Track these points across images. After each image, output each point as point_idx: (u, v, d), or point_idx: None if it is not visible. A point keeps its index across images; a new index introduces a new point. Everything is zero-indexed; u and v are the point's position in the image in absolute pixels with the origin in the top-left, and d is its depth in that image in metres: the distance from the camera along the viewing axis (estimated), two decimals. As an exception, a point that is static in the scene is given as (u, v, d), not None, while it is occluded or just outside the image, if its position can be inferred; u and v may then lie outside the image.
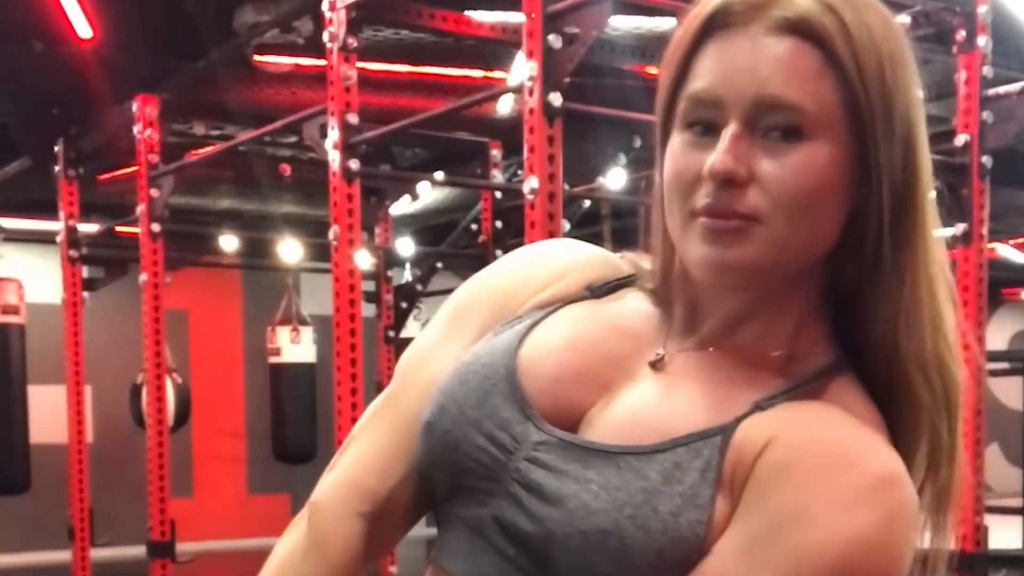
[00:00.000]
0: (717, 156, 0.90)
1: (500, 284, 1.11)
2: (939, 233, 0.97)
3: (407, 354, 1.11)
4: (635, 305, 1.04)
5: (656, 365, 0.99)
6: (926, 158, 0.96)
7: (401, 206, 6.94)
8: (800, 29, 0.90)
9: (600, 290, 1.07)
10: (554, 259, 1.10)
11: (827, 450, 0.90)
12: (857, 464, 0.89)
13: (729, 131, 0.91)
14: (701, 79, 0.93)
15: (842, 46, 0.90)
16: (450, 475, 0.99)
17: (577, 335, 1.03)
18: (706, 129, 0.92)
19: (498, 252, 5.80)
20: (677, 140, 0.95)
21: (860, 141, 0.91)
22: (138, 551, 5.75)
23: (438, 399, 1.00)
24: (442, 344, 1.08)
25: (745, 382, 0.95)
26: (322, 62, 4.07)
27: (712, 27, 0.93)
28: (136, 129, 5.31)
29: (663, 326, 1.02)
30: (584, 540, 0.89)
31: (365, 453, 1.07)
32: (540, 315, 1.05)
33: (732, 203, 0.91)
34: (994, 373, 7.76)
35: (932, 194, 0.97)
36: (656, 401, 0.97)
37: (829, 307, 0.98)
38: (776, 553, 0.87)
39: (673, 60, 0.95)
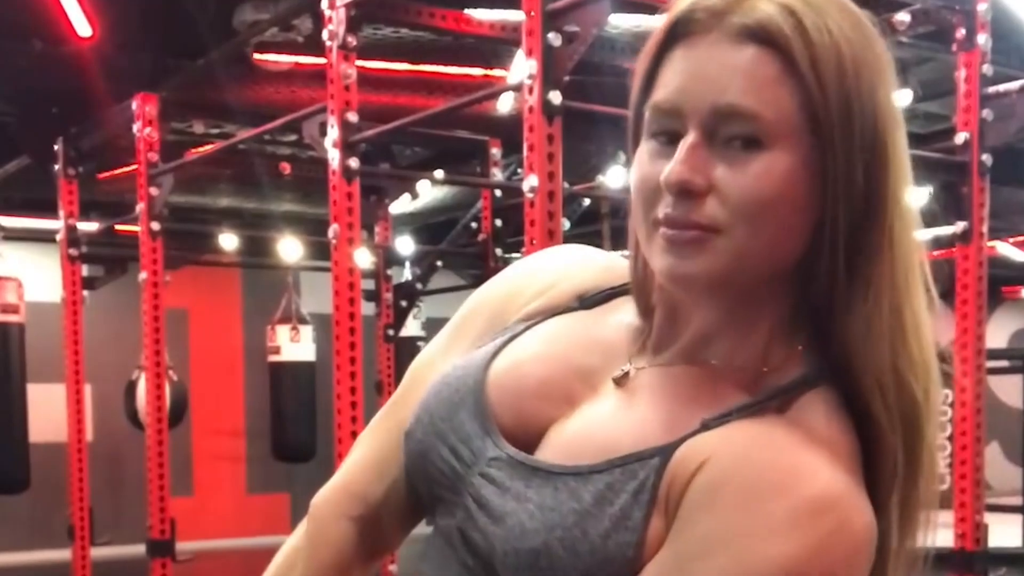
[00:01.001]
0: (672, 167, 0.89)
1: (499, 293, 1.11)
2: (918, 239, 0.94)
3: (414, 361, 1.14)
4: (620, 317, 1.04)
5: (619, 381, 0.99)
6: (898, 164, 0.93)
7: (401, 204, 6.94)
8: (759, 36, 0.89)
9: (590, 300, 1.06)
10: (550, 267, 1.11)
11: (760, 472, 0.86)
12: (790, 487, 0.85)
13: (687, 141, 0.90)
14: (663, 89, 0.92)
15: (800, 51, 0.88)
16: (424, 484, 1.01)
17: (550, 349, 1.03)
18: (670, 139, 0.91)
19: (498, 251, 5.80)
20: (643, 149, 0.94)
21: (821, 147, 0.90)
22: (138, 550, 5.75)
23: (416, 409, 1.02)
24: (443, 352, 1.10)
25: (703, 399, 0.93)
26: (322, 60, 4.06)
27: (676, 35, 0.92)
28: (136, 128, 5.31)
29: (639, 340, 1.01)
30: (518, 559, 0.90)
31: (361, 458, 1.10)
32: (522, 328, 1.05)
33: (690, 214, 0.90)
34: (994, 371, 7.76)
35: (908, 200, 0.94)
36: (609, 418, 0.96)
37: (805, 321, 0.96)
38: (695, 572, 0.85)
39: (640, 69, 0.95)
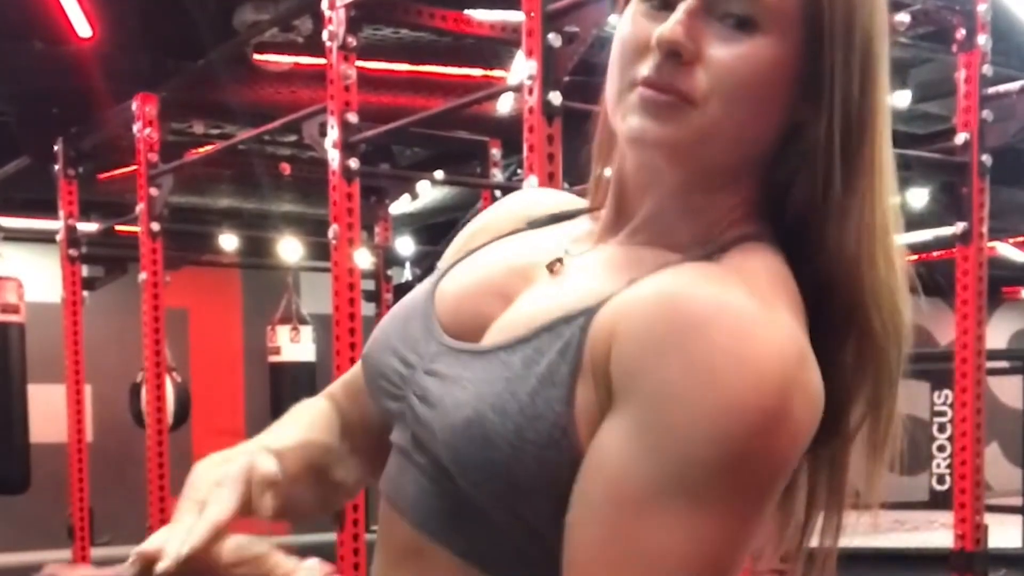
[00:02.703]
0: (668, 24, 0.89)
1: (469, 230, 1.15)
2: (892, 164, 0.94)
3: None
4: (568, 228, 1.05)
5: (552, 267, 0.99)
6: (885, 78, 0.93)
7: (401, 205, 6.94)
8: None
9: (538, 222, 1.08)
10: (505, 205, 1.14)
11: (674, 312, 0.84)
12: (708, 322, 0.82)
13: (684, 5, 0.90)
14: None
15: None
16: (378, 399, 1.03)
17: (491, 257, 1.05)
18: (663, 4, 0.91)
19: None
20: (633, 9, 0.94)
21: (814, 47, 0.90)
22: (138, 550, 5.74)
23: (375, 333, 1.06)
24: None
25: (636, 267, 0.92)
26: (322, 61, 4.06)
27: None
28: (136, 128, 5.31)
29: (582, 238, 1.02)
30: (453, 433, 0.90)
31: (341, 382, 1.18)
32: (465, 254, 1.09)
33: (673, 78, 0.89)
34: (994, 372, 7.77)
35: (888, 122, 0.94)
36: (540, 296, 0.97)
37: (762, 219, 0.95)
38: (660, 441, 0.82)
39: None
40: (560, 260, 1.00)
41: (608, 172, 1.03)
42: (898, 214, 0.95)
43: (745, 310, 0.84)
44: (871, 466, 0.96)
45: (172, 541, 0.90)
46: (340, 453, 1.10)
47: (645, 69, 0.90)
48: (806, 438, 0.86)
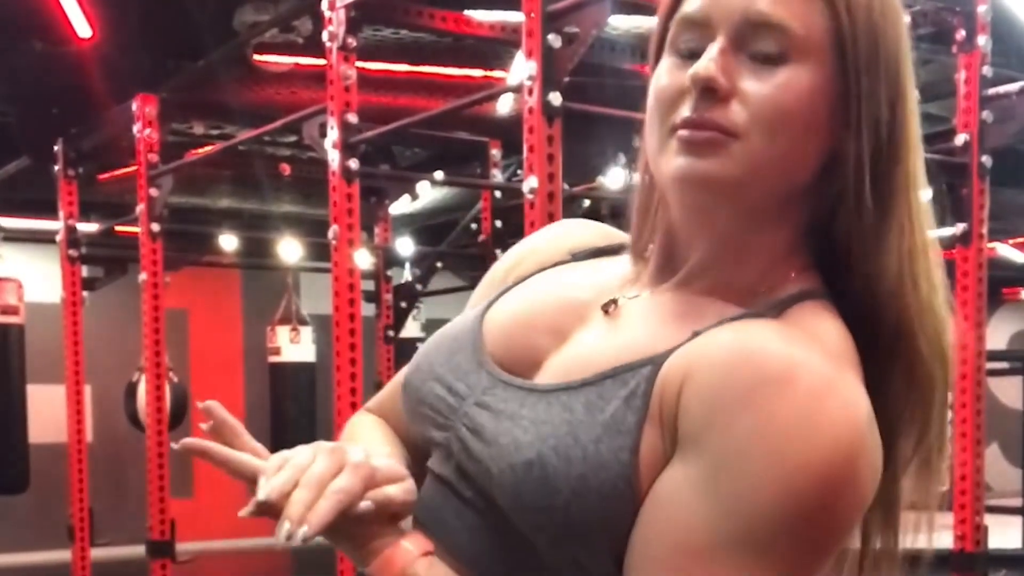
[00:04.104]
0: (701, 63, 0.90)
1: (502, 266, 1.15)
2: (926, 192, 0.95)
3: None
4: (613, 266, 1.05)
5: (607, 309, 0.99)
6: (915, 112, 0.94)
7: (401, 205, 6.94)
8: None
9: (582, 254, 1.08)
10: (546, 235, 1.14)
11: (751, 368, 0.84)
12: (784, 380, 0.83)
13: (716, 45, 0.91)
14: (692, 3, 0.93)
15: None
16: (420, 427, 1.02)
17: (541, 289, 1.05)
18: (692, 54, 0.92)
19: (498, 252, 5.80)
20: (664, 64, 0.95)
21: (844, 73, 0.91)
22: (138, 551, 5.75)
23: (415, 358, 1.05)
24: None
25: (696, 315, 0.93)
26: (321, 61, 4.06)
27: None
28: (136, 128, 5.30)
29: (633, 278, 1.02)
30: (513, 473, 0.90)
31: (375, 403, 1.15)
32: (514, 282, 1.08)
33: (710, 113, 0.90)
34: (994, 373, 7.76)
35: (920, 151, 0.95)
36: (600, 340, 0.97)
37: (810, 252, 0.96)
38: (730, 495, 0.83)
39: None
40: (615, 302, 0.99)
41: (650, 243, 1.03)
42: (934, 230, 0.96)
43: (819, 372, 0.85)
44: (920, 484, 0.97)
45: (298, 505, 0.88)
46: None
47: (683, 114, 0.91)
48: (869, 498, 0.88)
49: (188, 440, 0.95)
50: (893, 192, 0.93)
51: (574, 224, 1.16)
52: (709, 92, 0.90)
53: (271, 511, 0.89)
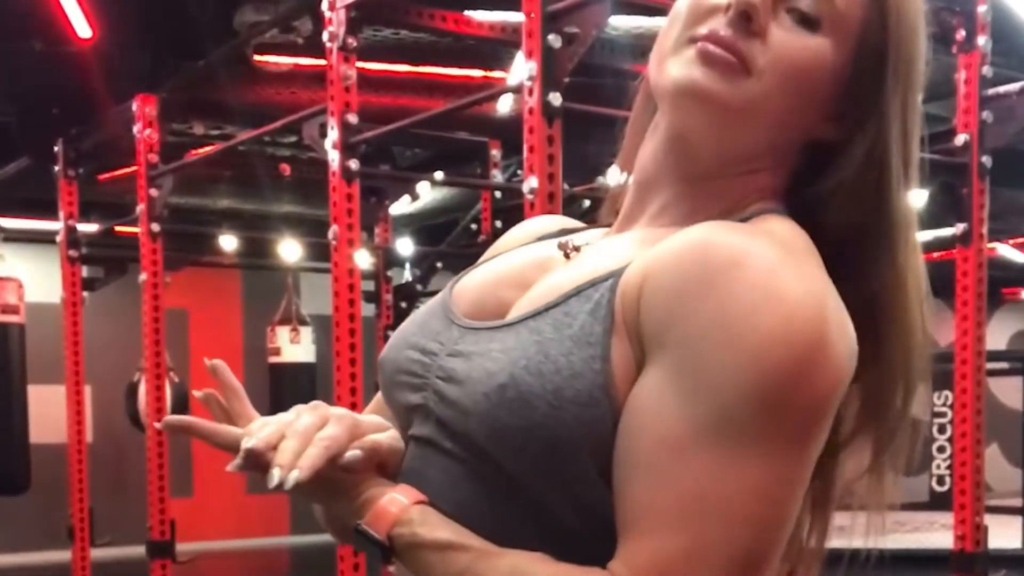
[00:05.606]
0: None
1: (489, 253, 1.16)
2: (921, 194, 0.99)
3: None
4: (581, 235, 1.07)
5: (567, 254, 1.01)
6: (919, 105, 0.96)
7: (401, 206, 6.94)
8: None
9: (550, 235, 1.10)
10: (520, 228, 1.16)
11: (702, 259, 0.85)
12: (738, 263, 0.84)
13: None
14: None
15: None
16: (399, 395, 1.02)
17: (507, 259, 1.07)
18: None
19: (498, 252, 5.79)
20: None
21: (862, 65, 0.92)
22: (138, 551, 5.74)
23: (390, 339, 1.06)
24: None
25: (656, 239, 0.93)
26: (322, 62, 4.06)
27: None
28: (136, 129, 5.30)
29: (599, 236, 1.04)
30: (488, 400, 0.90)
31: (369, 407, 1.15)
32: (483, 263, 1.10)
33: (738, 40, 0.91)
34: (994, 373, 7.77)
35: (917, 146, 0.97)
36: (562, 275, 0.98)
37: (783, 205, 0.97)
38: (701, 382, 0.83)
39: None
40: (577, 248, 1.01)
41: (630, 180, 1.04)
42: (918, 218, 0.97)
43: (769, 252, 0.85)
44: (878, 471, 0.97)
45: (287, 452, 0.90)
46: None
47: (709, 26, 0.92)
48: (845, 372, 0.87)
49: (171, 417, 0.97)
50: (899, 191, 0.94)
51: (543, 217, 1.18)
52: (744, 19, 0.91)
53: (259, 464, 0.91)
